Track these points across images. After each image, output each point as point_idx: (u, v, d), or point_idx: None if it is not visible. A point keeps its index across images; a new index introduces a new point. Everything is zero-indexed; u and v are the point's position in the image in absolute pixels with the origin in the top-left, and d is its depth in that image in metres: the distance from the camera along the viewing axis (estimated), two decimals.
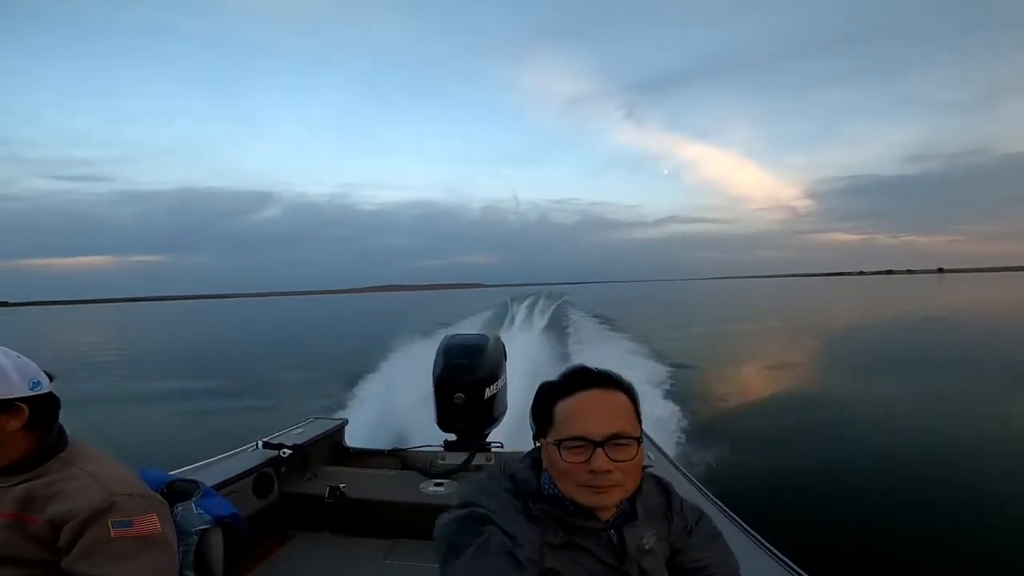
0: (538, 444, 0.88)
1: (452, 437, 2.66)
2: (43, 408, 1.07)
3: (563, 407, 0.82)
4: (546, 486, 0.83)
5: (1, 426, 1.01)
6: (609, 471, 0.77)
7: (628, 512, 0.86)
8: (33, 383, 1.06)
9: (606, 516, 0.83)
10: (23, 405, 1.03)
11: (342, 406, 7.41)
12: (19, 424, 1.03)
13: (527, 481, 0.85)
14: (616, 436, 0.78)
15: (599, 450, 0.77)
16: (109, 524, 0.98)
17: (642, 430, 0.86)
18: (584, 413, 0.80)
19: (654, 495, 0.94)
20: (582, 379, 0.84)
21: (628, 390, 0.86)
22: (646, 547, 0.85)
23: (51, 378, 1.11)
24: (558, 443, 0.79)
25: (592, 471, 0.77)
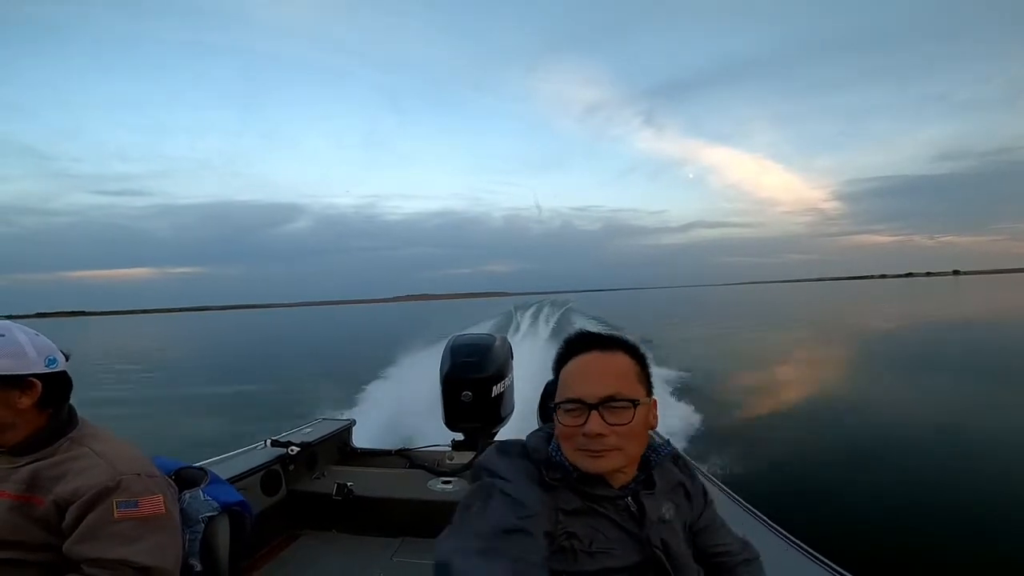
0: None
1: (460, 437, 2.67)
2: (56, 386, 1.06)
3: (566, 370, 0.83)
4: (554, 453, 0.82)
5: (14, 402, 0.99)
6: (602, 435, 0.76)
7: (644, 480, 0.84)
8: (49, 360, 1.04)
9: (618, 483, 0.82)
10: (36, 381, 1.01)
11: (350, 408, 7.58)
12: (31, 401, 1.01)
13: (537, 449, 0.84)
14: (611, 398, 0.77)
15: (593, 413, 0.76)
16: (114, 504, 0.96)
17: (650, 392, 0.84)
18: (580, 375, 0.80)
19: (673, 471, 0.92)
20: (581, 342, 0.85)
21: (632, 351, 0.84)
22: (666, 517, 0.83)
23: (67, 357, 1.10)
24: (556, 406, 0.80)
25: (584, 434, 0.76)
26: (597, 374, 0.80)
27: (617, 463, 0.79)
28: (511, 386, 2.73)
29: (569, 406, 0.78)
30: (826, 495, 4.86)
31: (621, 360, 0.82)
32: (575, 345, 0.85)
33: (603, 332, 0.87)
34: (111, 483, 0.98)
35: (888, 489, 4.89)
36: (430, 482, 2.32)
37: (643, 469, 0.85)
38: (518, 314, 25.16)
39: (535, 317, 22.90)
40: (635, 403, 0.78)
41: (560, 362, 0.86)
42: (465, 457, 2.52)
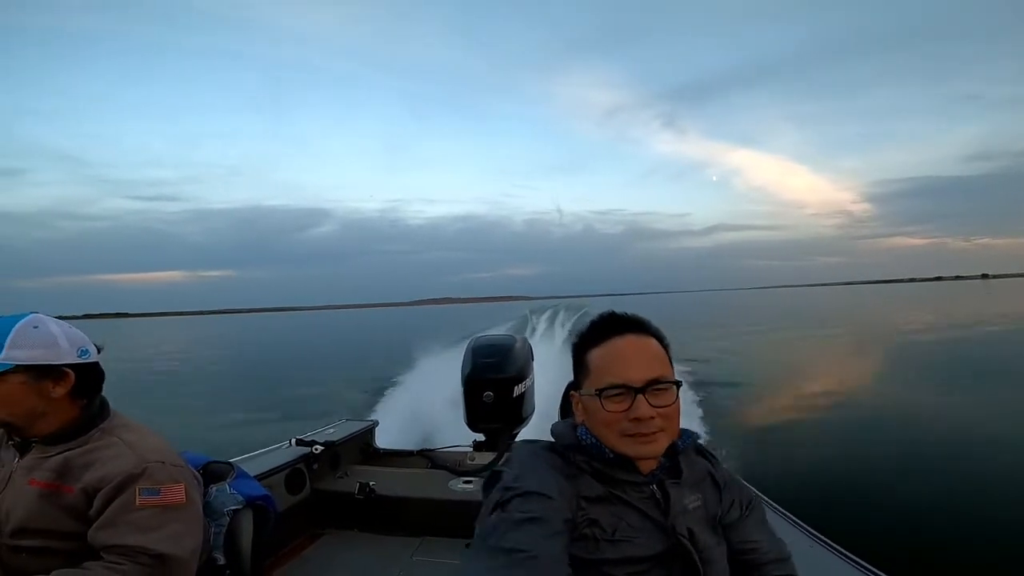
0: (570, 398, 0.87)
1: (481, 438, 2.67)
2: (89, 377, 1.08)
3: (598, 354, 0.80)
4: (583, 436, 0.80)
5: (48, 392, 1.01)
6: (652, 417, 0.74)
7: (670, 468, 0.81)
8: (82, 351, 1.06)
9: (647, 468, 0.79)
10: (69, 371, 1.03)
11: (373, 408, 7.70)
12: (64, 391, 1.03)
13: (563, 435, 0.83)
14: (656, 381, 0.75)
15: (640, 396, 0.74)
16: (137, 491, 0.98)
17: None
18: (621, 359, 0.77)
19: (700, 461, 0.88)
20: (615, 324, 0.82)
21: (659, 335, 0.82)
22: (691, 507, 0.80)
23: (99, 349, 1.12)
24: (599, 392, 0.76)
25: (636, 419, 0.74)
26: (638, 357, 0.77)
27: (663, 445, 0.77)
28: (532, 387, 2.71)
29: (613, 392, 0.75)
30: (861, 496, 4.74)
31: (654, 343, 0.80)
32: (607, 327, 0.81)
33: (631, 315, 0.84)
34: (136, 470, 0.99)
35: (925, 491, 4.74)
36: (451, 482, 2.32)
37: (669, 457, 0.82)
38: (533, 318, 25.00)
39: (551, 321, 22.74)
40: (678, 384, 0.78)
41: (586, 344, 0.83)
42: (486, 457, 2.51)
